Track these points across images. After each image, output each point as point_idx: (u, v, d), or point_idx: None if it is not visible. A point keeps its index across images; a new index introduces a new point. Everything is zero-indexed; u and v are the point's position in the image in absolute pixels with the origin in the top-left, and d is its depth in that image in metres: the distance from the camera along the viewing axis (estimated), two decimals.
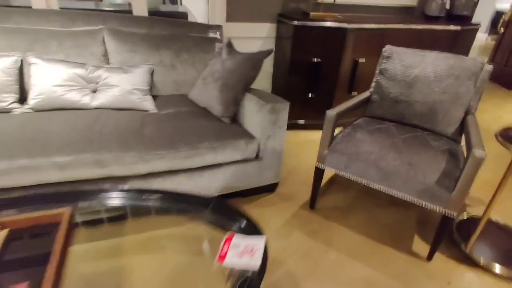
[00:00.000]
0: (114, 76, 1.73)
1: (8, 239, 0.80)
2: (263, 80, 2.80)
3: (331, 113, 1.53)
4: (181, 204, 1.08)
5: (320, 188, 1.78)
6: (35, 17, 1.79)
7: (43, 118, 1.51)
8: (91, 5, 2.84)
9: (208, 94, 1.79)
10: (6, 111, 1.57)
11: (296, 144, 2.50)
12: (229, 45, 1.91)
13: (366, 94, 1.88)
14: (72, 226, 0.88)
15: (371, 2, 2.80)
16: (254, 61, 1.69)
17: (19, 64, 1.64)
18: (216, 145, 1.52)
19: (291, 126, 2.70)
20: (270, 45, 2.65)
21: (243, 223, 0.99)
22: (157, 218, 1.37)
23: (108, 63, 1.87)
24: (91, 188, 1.36)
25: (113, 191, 1.15)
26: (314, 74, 2.51)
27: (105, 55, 1.85)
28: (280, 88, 2.65)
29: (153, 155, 1.40)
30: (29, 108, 1.60)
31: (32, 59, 1.63)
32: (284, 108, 1.61)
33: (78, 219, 0.96)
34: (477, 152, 1.21)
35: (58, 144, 1.31)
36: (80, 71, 1.68)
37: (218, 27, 2.20)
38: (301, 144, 2.51)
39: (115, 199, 1.11)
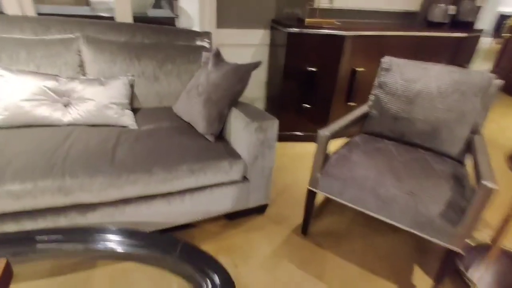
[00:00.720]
0: (89, 88, 1.59)
1: None
2: (257, 89, 2.66)
3: (323, 133, 1.39)
4: (143, 249, 0.94)
5: (313, 210, 1.64)
6: (4, 24, 1.65)
7: (7, 136, 1.37)
8: (75, 10, 2.70)
9: (192, 109, 1.65)
10: None
11: (291, 158, 2.35)
12: (217, 55, 1.77)
13: (363, 109, 1.74)
14: (7, 278, 0.73)
15: (370, 7, 2.66)
16: (241, 74, 1.54)
17: None
18: (196, 167, 1.37)
19: (286, 137, 2.56)
20: (264, 52, 2.51)
21: (216, 278, 0.84)
22: (117, 264, 1.23)
23: (84, 74, 1.73)
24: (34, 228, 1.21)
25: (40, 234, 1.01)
26: (309, 83, 2.36)
27: (81, 65, 1.71)
28: (275, 98, 2.51)
29: (124, 180, 1.26)
30: None
31: None
32: (272, 126, 1.47)
33: (17, 269, 0.81)
34: (487, 184, 1.07)
35: (15, 170, 1.16)
36: (51, 83, 1.54)
37: (206, 34, 2.06)
38: (296, 157, 2.36)
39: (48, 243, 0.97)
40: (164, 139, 1.48)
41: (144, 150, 1.38)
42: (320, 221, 1.74)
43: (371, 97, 1.73)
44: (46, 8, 2.37)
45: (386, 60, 1.69)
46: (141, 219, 1.38)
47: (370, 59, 2.38)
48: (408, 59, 1.66)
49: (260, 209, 1.75)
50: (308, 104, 2.45)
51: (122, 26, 1.87)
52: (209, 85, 1.58)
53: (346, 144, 1.61)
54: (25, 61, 1.59)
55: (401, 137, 1.64)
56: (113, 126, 1.61)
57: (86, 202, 1.25)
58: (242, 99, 2.62)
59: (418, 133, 1.58)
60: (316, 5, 2.37)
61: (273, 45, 2.44)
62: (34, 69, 1.60)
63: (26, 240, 0.86)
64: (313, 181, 1.46)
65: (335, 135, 1.46)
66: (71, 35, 1.73)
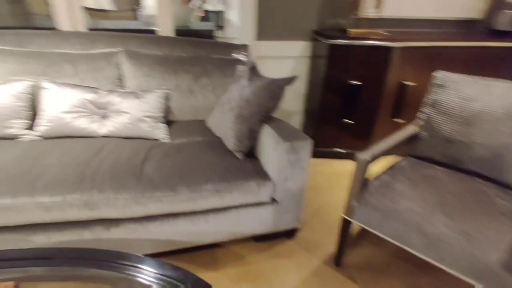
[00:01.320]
0: (125, 102, 1.62)
1: None
2: (295, 102, 2.56)
3: (362, 157, 1.25)
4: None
5: (348, 239, 1.49)
6: (56, 40, 1.76)
7: (46, 147, 1.43)
8: (125, 25, 2.84)
9: (223, 124, 1.60)
10: (13, 137, 1.53)
11: (328, 176, 2.21)
12: (252, 69, 1.71)
13: (411, 129, 1.55)
14: None
15: (423, 16, 2.43)
16: (273, 89, 1.46)
17: (32, 89, 1.60)
18: (221, 187, 1.31)
19: (324, 154, 2.42)
20: (304, 64, 2.41)
21: None
22: None
23: (123, 87, 1.77)
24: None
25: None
26: (352, 97, 2.21)
27: (120, 79, 1.76)
28: (314, 112, 2.39)
29: (148, 197, 1.24)
30: (37, 135, 1.54)
31: (44, 84, 1.58)
32: (305, 147, 1.36)
33: None
34: None
35: (47, 182, 1.20)
36: (91, 96, 1.60)
37: (244, 47, 2.02)
38: (334, 176, 2.21)
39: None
40: (192, 155, 1.45)
41: (171, 167, 1.35)
42: (356, 251, 1.58)
43: (421, 116, 1.55)
44: (101, 23, 2.52)
45: (440, 75, 1.50)
46: (164, 237, 1.35)
47: (421, 73, 2.17)
48: (466, 75, 1.46)
49: (290, 233, 1.64)
50: (350, 120, 2.29)
51: (163, 39, 1.91)
52: (241, 100, 1.52)
53: (390, 168, 1.45)
54: (70, 74, 1.66)
55: (454, 163, 1.43)
56: (146, 139, 1.61)
57: (110, 217, 1.25)
58: (279, 112, 2.55)
59: (476, 160, 1.37)
60: (361, 15, 2.22)
61: (314, 57, 2.34)
62: (78, 82, 1.67)
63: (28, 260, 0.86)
64: (349, 210, 1.32)
65: (377, 158, 1.31)
66: (113, 49, 1.79)
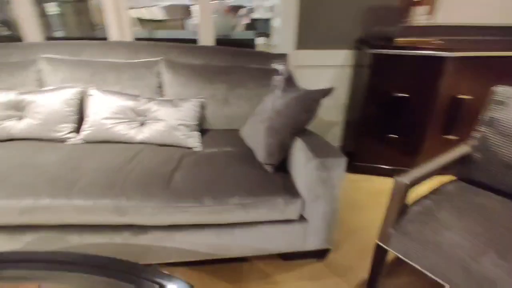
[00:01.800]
0: (162, 109, 1.66)
1: None
2: (335, 112, 2.45)
3: (401, 181, 1.13)
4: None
5: (383, 266, 1.36)
6: (104, 49, 1.87)
7: (86, 151, 1.51)
8: (172, 34, 2.97)
9: (255, 135, 1.57)
10: (61, 140, 1.64)
11: (368, 194, 2.07)
12: (288, 79, 1.67)
13: (463, 149, 1.39)
14: None
15: (484, 22, 2.19)
16: (307, 102, 1.40)
17: (80, 95, 1.71)
18: (247, 201, 1.27)
19: (364, 169, 2.27)
20: (345, 74, 2.30)
21: None
22: None
23: (162, 95, 1.83)
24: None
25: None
26: (397, 110, 2.05)
27: (160, 87, 1.82)
28: (355, 124, 2.26)
29: (174, 207, 1.24)
30: (80, 139, 1.64)
31: (90, 91, 1.68)
32: (338, 164, 1.27)
33: None
34: None
35: (83, 186, 1.26)
36: (131, 103, 1.67)
37: (282, 57, 1.98)
38: (374, 194, 2.06)
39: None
40: (221, 166, 1.43)
41: (199, 177, 1.35)
42: (391, 280, 1.44)
43: (476, 135, 1.37)
44: (151, 33, 2.65)
45: (500, 90, 1.32)
46: (189, 247, 1.35)
47: (478, 86, 1.94)
48: None
49: (320, 254, 1.54)
50: (394, 134, 2.13)
51: (202, 49, 1.94)
52: (273, 111, 1.47)
53: (434, 192, 1.30)
54: (113, 82, 1.76)
55: None
56: (179, 147, 1.64)
57: (139, 223, 1.27)
58: (317, 122, 2.46)
59: None
60: (412, 22, 2.06)
61: (356, 67, 2.22)
62: (120, 89, 1.75)
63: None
64: (384, 236, 1.20)
65: (419, 182, 1.18)
66: (155, 59, 1.85)
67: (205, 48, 1.94)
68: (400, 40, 1.96)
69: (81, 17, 4.96)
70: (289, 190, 1.34)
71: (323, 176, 1.28)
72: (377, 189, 2.12)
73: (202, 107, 1.79)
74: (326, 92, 1.44)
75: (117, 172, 1.35)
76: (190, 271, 1.45)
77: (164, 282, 0.88)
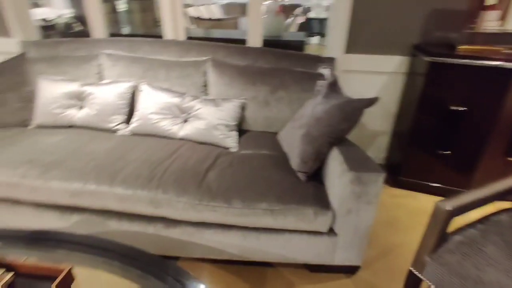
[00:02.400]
0: (205, 108, 1.72)
1: (9, 284, 0.82)
2: (383, 121, 2.31)
3: (443, 207, 1.03)
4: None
5: None
6: (158, 47, 1.98)
7: (132, 143, 1.62)
8: (225, 34, 3.04)
9: (291, 141, 1.55)
10: (113, 131, 1.78)
11: (409, 212, 1.93)
12: (332, 84, 1.61)
13: None
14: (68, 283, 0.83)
15: None
16: (349, 110, 1.34)
17: (132, 90, 1.84)
18: (276, 208, 1.26)
19: (409, 185, 2.12)
20: (397, 82, 2.16)
21: None
22: None
23: (206, 94, 1.89)
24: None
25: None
26: (453, 125, 1.88)
27: (205, 86, 1.88)
28: (403, 135, 2.11)
29: (204, 205, 1.28)
30: (129, 131, 1.76)
31: (142, 86, 1.80)
32: (375, 180, 1.20)
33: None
34: None
35: (125, 176, 1.35)
36: (177, 100, 1.74)
37: (329, 61, 1.92)
38: (418, 213, 1.92)
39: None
40: (254, 169, 1.44)
41: (231, 178, 1.37)
42: None
43: None
44: (201, 32, 2.74)
45: None
46: (215, 246, 1.38)
47: None
48: None
49: (349, 270, 1.48)
50: (447, 150, 1.95)
51: (249, 50, 1.95)
52: (312, 118, 1.44)
53: (481, 221, 1.16)
54: (163, 79, 1.85)
55: None
56: (217, 146, 1.68)
57: (171, 217, 1.34)
58: (362, 130, 2.35)
59: None
60: (479, 28, 1.86)
61: (410, 74, 2.07)
62: (169, 86, 1.84)
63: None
64: (419, 263, 1.11)
65: (466, 211, 1.07)
66: (202, 58, 1.91)
67: (251, 49, 1.95)
68: (463, 48, 1.78)
69: (145, 14, 5.30)
70: (321, 201, 1.30)
71: (358, 190, 1.22)
72: (420, 208, 1.96)
73: (243, 108, 1.81)
74: (370, 102, 1.36)
75: (157, 165, 1.43)
76: (215, 268, 1.49)
77: (187, 284, 0.90)
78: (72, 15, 4.08)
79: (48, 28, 3.67)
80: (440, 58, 1.75)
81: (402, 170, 2.11)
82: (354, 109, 1.35)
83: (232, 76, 1.82)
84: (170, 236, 1.38)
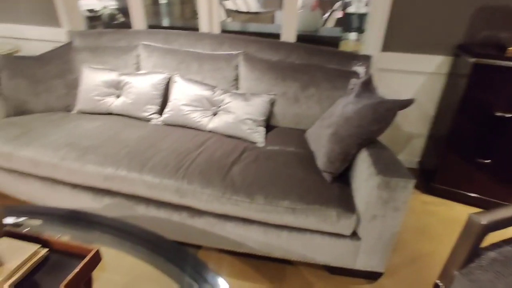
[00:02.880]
0: (234, 102, 1.73)
1: (43, 259, 0.89)
2: (420, 123, 2.20)
3: (477, 220, 0.97)
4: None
5: None
6: (193, 40, 2.02)
7: (163, 132, 1.67)
8: (260, 28, 3.01)
9: (319, 139, 1.52)
10: (147, 120, 1.85)
11: (443, 221, 1.83)
12: (365, 83, 1.56)
13: None
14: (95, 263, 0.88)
15: None
16: (381, 111, 1.28)
17: (166, 81, 1.89)
18: (298, 207, 1.25)
19: (445, 193, 2.01)
20: (437, 83, 2.04)
21: None
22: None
23: (237, 88, 1.90)
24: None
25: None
26: (497, 132, 1.74)
27: (236, 80, 1.89)
28: (440, 140, 2.00)
29: (227, 199, 1.30)
30: (161, 121, 1.82)
31: (175, 78, 1.85)
32: (404, 186, 1.15)
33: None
34: None
35: (154, 164, 1.40)
36: (207, 93, 1.78)
37: (365, 58, 1.85)
38: (451, 223, 1.82)
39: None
40: (279, 166, 1.43)
41: (255, 173, 1.38)
42: None
43: None
44: (234, 26, 2.74)
45: None
46: (236, 238, 1.40)
47: None
48: None
49: (371, 275, 1.44)
50: (488, 159, 1.82)
51: (281, 45, 1.93)
52: (342, 117, 1.40)
53: None
54: (196, 71, 1.89)
55: None
56: (244, 140, 1.69)
57: (195, 207, 1.37)
58: (396, 131, 2.25)
59: None
60: None
61: (452, 76, 1.94)
62: (201, 79, 1.88)
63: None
64: (446, 277, 1.06)
65: (503, 225, 1.00)
66: (235, 52, 1.92)
67: (284, 44, 1.93)
68: None
69: (184, 6, 5.41)
70: (345, 203, 1.27)
71: (385, 196, 1.17)
72: (454, 218, 1.85)
73: (272, 103, 1.80)
74: (405, 104, 1.30)
75: (185, 156, 1.47)
76: (235, 260, 1.51)
77: (206, 275, 0.93)
78: (116, 6, 4.27)
79: (93, 19, 3.87)
80: (487, 60, 1.63)
81: (436, 177, 2.00)
82: (386, 110, 1.29)
83: (263, 71, 1.81)
84: (194, 225, 1.42)
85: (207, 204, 1.33)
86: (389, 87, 2.12)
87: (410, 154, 2.32)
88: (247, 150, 1.58)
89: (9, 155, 1.53)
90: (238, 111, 1.70)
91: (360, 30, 6.33)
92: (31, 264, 0.88)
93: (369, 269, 1.37)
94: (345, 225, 1.25)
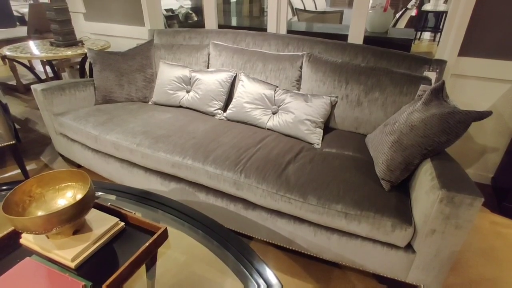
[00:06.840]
0: (294, 102, 1.77)
1: (121, 230, 1.04)
2: (497, 136, 2.00)
3: None
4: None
5: None
6: (260, 40, 2.10)
7: (226, 127, 1.79)
8: (326, 29, 2.99)
9: (379, 146, 1.49)
10: (212, 114, 1.99)
11: None
12: (436, 90, 1.47)
13: None
14: (162, 240, 1.00)
15: None
16: (449, 123, 1.21)
17: (232, 79, 2.00)
18: (351, 212, 1.25)
19: None
20: None
21: None
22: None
23: (299, 89, 1.93)
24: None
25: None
26: None
27: (298, 80, 1.92)
28: None
29: (281, 196, 1.35)
30: (224, 116, 1.94)
31: (240, 76, 1.95)
32: (470, 204, 1.08)
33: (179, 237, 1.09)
34: None
35: (216, 156, 1.51)
36: (269, 92, 1.84)
37: (438, 63, 1.74)
38: None
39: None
40: (335, 169, 1.44)
41: (310, 174, 1.40)
42: None
43: None
44: (300, 25, 2.76)
45: None
46: (286, 235, 1.45)
47: None
48: None
49: None
50: None
51: (347, 47, 1.91)
52: (406, 125, 1.35)
53: None
54: (260, 71, 1.97)
55: None
56: (301, 140, 1.72)
57: (250, 200, 1.45)
58: (469, 143, 2.07)
59: None
60: None
61: None
62: (264, 78, 1.95)
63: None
64: None
65: None
66: (299, 53, 1.95)
67: (350, 46, 1.90)
68: None
69: (252, 5, 5.56)
70: (402, 214, 1.24)
71: (447, 211, 1.11)
72: None
73: (332, 105, 1.80)
74: (480, 116, 1.21)
75: (244, 151, 1.55)
76: (283, 255, 1.56)
77: (256, 265, 0.99)
78: (190, 6, 4.58)
79: (171, 18, 4.20)
80: None
81: (510, 196, 1.80)
82: (458, 122, 1.21)
83: (326, 72, 1.81)
84: (247, 217, 1.50)
85: (261, 198, 1.40)
86: (462, 96, 1.96)
87: (483, 169, 2.12)
88: (303, 150, 1.61)
89: (96, 137, 1.78)
90: (298, 112, 1.73)
91: (435, 30, 5.84)
92: (112, 234, 1.03)
93: (421, 284, 1.31)
94: (399, 236, 1.22)
